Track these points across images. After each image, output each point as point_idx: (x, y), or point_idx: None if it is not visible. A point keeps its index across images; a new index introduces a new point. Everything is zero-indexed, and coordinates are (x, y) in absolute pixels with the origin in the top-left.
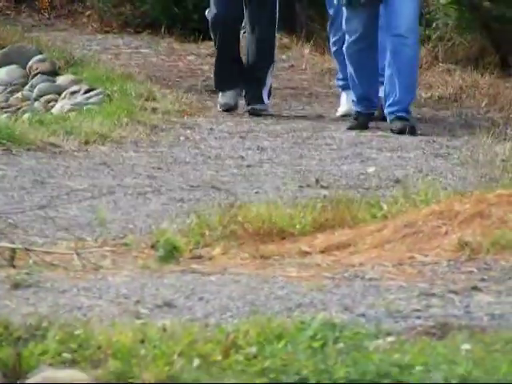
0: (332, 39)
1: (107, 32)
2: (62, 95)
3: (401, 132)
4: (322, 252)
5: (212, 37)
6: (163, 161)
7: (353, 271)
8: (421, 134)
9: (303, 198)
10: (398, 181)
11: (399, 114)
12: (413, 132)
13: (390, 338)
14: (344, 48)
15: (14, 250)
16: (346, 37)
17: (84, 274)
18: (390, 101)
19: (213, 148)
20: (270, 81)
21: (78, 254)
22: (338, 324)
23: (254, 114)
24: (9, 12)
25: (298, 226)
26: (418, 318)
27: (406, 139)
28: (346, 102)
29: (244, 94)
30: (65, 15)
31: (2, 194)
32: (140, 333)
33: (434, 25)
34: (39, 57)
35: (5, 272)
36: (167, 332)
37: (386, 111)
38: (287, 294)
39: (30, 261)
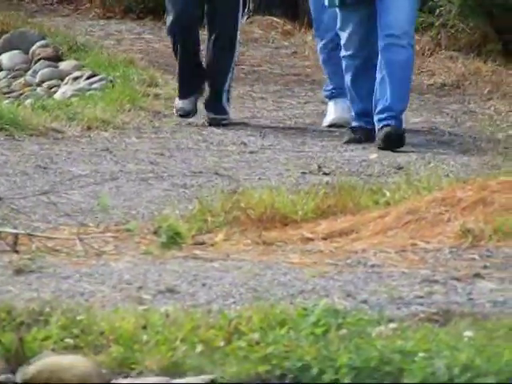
0: (319, 44)
1: (110, 18)
2: (65, 81)
3: (386, 144)
4: (325, 238)
5: (172, 43)
6: (165, 147)
7: (355, 258)
8: (423, 121)
9: (306, 184)
10: (400, 167)
11: (388, 122)
12: (399, 144)
13: (392, 325)
14: (341, 55)
15: (16, 236)
16: (342, 42)
17: (86, 260)
18: (380, 107)
19: (215, 134)
20: (228, 87)
21: (80, 240)
22: (340, 310)
23: (213, 124)
24: None
25: (300, 213)
26: (421, 304)
27: (408, 126)
28: (333, 111)
29: (204, 100)
30: (68, 1)
31: (5, 179)
32: (142, 319)
33: (436, 11)
34: (42, 42)
35: (7, 257)
36: (170, 318)
37: (375, 118)
38: (290, 281)
39: (33, 246)
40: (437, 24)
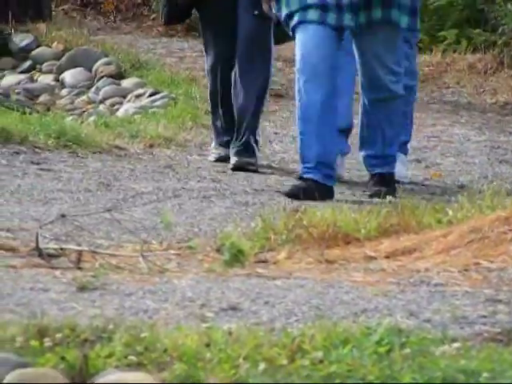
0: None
1: (172, 35)
2: (127, 98)
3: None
4: (387, 257)
5: (211, 84)
6: (227, 165)
7: (418, 277)
8: (486, 140)
9: (368, 203)
10: (462, 186)
11: (380, 171)
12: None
13: (456, 344)
14: (297, 87)
15: (80, 253)
16: (298, 68)
17: (149, 277)
18: (370, 151)
19: (277, 152)
20: (258, 132)
21: (143, 257)
22: (403, 329)
23: (239, 168)
24: (74, 15)
25: (363, 231)
26: (484, 324)
27: (470, 145)
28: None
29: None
30: (130, 18)
31: (68, 196)
32: (205, 336)
33: (499, 30)
34: (104, 60)
35: (71, 274)
36: (233, 336)
37: (361, 155)
38: (352, 299)
39: (96, 263)
40: (499, 42)
